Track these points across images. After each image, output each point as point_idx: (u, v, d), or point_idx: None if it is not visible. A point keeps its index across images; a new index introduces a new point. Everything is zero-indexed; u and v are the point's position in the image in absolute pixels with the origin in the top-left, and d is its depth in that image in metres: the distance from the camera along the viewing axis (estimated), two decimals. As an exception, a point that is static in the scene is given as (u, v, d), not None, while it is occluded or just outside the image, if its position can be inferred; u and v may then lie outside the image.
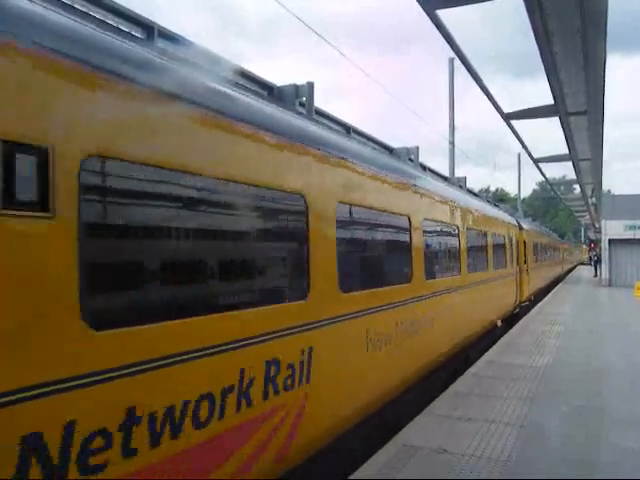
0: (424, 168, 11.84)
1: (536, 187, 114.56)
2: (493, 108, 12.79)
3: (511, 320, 17.75)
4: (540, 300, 25.10)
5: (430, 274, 9.13)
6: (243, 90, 5.36)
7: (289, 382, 5.00)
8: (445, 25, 7.93)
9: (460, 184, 15.61)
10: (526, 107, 13.44)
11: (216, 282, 4.60)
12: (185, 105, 4.05)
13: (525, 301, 21.46)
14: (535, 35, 8.23)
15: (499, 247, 16.27)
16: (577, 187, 34.83)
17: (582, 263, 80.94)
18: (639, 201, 32.51)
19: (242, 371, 4.37)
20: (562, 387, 8.98)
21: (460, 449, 6.14)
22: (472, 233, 12.63)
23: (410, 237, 8.24)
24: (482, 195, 19.10)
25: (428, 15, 7.47)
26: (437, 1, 7.25)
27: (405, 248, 8.20)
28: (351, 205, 6.60)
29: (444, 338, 9.94)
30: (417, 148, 10.87)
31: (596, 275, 41.60)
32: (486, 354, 11.81)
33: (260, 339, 4.63)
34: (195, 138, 4.13)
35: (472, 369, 10.31)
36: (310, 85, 7.00)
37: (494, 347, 12.69)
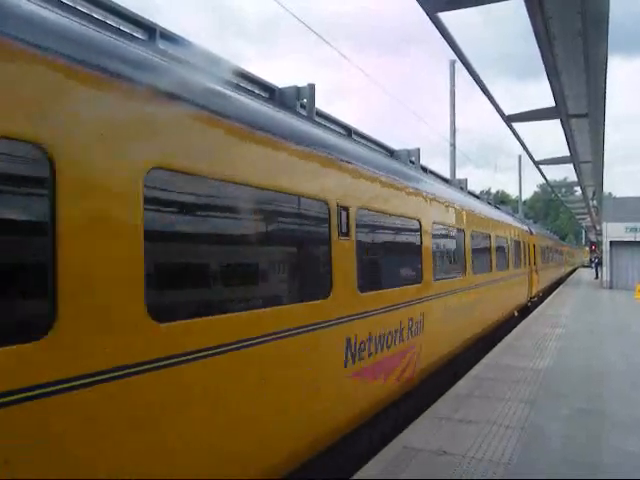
0: (425, 170, 11.86)
1: (537, 189, 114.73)
2: (494, 110, 12.81)
3: (523, 312, 20.75)
4: (545, 298, 27.35)
5: (474, 270, 12.35)
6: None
7: (415, 331, 8.34)
8: (447, 27, 7.95)
9: (470, 191, 16.72)
10: (528, 109, 13.46)
11: (391, 271, 8.31)
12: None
13: (534, 297, 24.16)
14: (536, 38, 8.25)
15: (516, 250, 19.24)
16: (578, 189, 34.85)
17: (583, 265, 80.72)
18: (640, 203, 32.52)
19: (400, 322, 7.72)
20: (563, 389, 8.98)
21: (461, 451, 6.14)
22: (498, 239, 15.75)
23: (464, 242, 11.72)
24: (504, 209, 22.56)
25: (430, 17, 7.48)
26: (439, 3, 7.27)
27: (461, 250, 11.65)
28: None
29: (485, 316, 13.86)
30: (418, 150, 10.88)
31: (597, 277, 41.60)
32: (487, 356, 11.81)
33: (406, 304, 7.99)
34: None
35: (473, 371, 10.31)
36: (311, 87, 7.01)
37: (495, 349, 12.68)
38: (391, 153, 10.20)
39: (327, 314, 5.72)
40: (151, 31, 4.96)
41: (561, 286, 37.97)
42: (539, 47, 8.63)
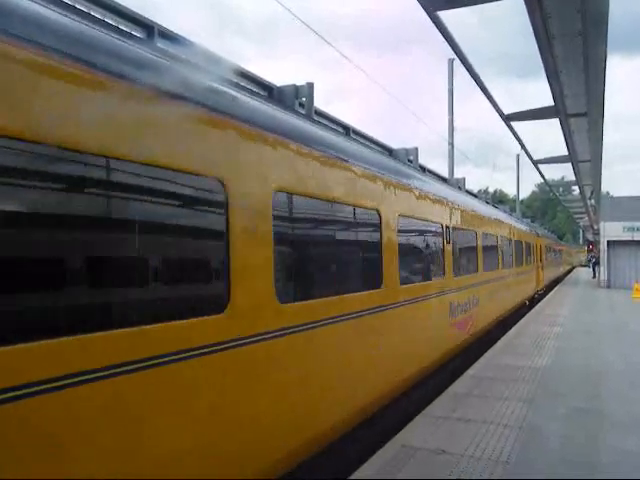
0: (423, 169, 11.86)
1: (535, 188, 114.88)
2: (493, 109, 12.81)
3: (531, 302, 24.98)
4: (547, 293, 30.79)
5: (503, 266, 17.01)
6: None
7: (474, 303, 12.51)
8: (446, 26, 7.94)
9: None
10: (527, 108, 13.47)
11: (466, 265, 12.44)
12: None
13: (540, 290, 28.55)
14: (536, 37, 8.25)
15: (528, 251, 23.91)
16: (576, 188, 34.91)
17: (581, 265, 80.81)
18: (638, 203, 32.56)
19: (468, 297, 11.96)
20: (561, 388, 8.99)
21: (459, 450, 6.14)
22: (517, 243, 20.48)
23: (497, 245, 16.34)
24: (526, 221, 28.98)
25: (429, 16, 7.48)
26: (438, 2, 7.26)
27: (494, 251, 16.06)
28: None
29: (508, 300, 18.19)
30: (416, 149, 10.87)
31: (595, 277, 41.66)
32: (485, 355, 11.83)
33: (471, 286, 12.35)
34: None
35: (471, 370, 10.32)
36: (310, 85, 7.00)
37: (493, 348, 12.70)
38: (389, 152, 10.19)
39: (443, 287, 10.09)
40: (150, 29, 4.94)
41: (559, 285, 38.04)
42: (538, 46, 8.64)
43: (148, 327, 3.55)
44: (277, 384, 4.86)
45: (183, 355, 3.77)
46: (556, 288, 34.98)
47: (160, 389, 3.62)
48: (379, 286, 7.01)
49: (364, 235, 7.22)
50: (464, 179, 16.46)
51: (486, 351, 12.28)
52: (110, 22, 4.46)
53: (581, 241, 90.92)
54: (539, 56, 9.14)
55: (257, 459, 4.53)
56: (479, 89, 11.17)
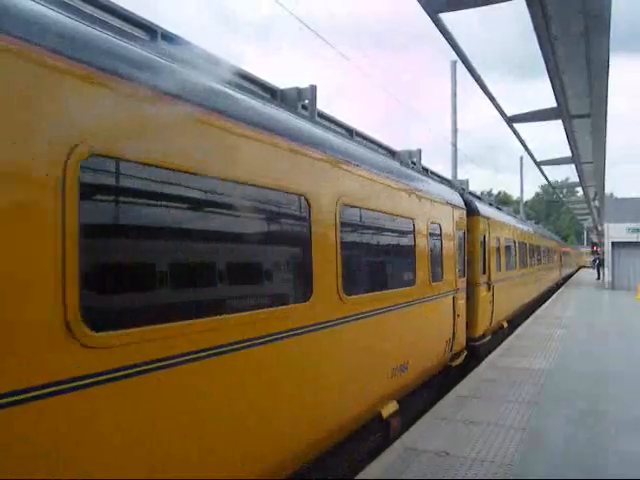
0: (426, 171, 11.85)
1: (539, 190, 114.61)
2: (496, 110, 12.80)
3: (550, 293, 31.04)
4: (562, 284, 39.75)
5: (537, 264, 25.18)
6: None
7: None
8: (448, 29, 7.95)
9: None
10: (531, 109, 13.46)
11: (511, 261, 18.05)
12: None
13: (562, 281, 40.61)
14: (538, 39, 8.25)
15: (554, 254, 35.80)
16: (580, 190, 34.82)
17: (585, 266, 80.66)
18: (642, 204, 32.49)
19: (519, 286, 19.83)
20: (565, 390, 8.97)
21: (463, 452, 6.14)
22: (550, 250, 31.21)
23: (535, 250, 24.90)
24: (543, 230, 36.25)
25: (431, 18, 7.49)
26: (440, 4, 7.27)
27: (534, 253, 24.24)
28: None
29: (534, 289, 23.84)
30: (419, 151, 10.86)
31: (599, 278, 41.53)
32: (488, 357, 11.80)
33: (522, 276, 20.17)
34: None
35: (474, 372, 10.30)
36: (313, 88, 6.99)
37: (497, 350, 12.68)
38: (392, 154, 10.19)
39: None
40: (152, 32, 4.95)
41: (563, 287, 37.94)
42: (540, 47, 8.63)
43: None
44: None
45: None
46: (560, 289, 34.90)
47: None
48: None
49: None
50: (467, 181, 16.46)
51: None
52: (114, 24, 4.47)
53: (585, 242, 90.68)
54: (541, 57, 9.13)
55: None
56: (482, 91, 11.17)
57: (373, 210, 7.05)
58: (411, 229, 8.27)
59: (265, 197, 4.81)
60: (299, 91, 6.90)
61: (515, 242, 18.45)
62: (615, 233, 32.66)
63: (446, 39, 8.27)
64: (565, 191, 45.13)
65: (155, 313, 3.57)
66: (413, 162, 10.61)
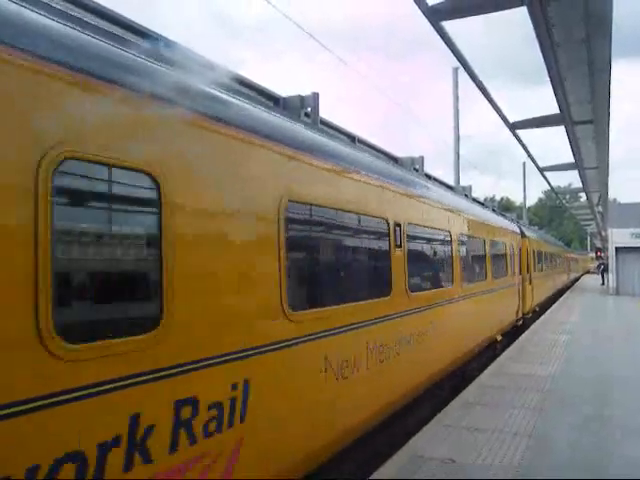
0: (429, 177, 11.88)
1: (542, 195, 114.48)
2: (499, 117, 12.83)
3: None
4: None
5: (564, 270, 41.55)
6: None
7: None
8: (450, 36, 7.98)
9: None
10: (534, 115, 13.49)
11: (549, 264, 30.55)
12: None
13: (570, 284, 47.33)
14: (540, 45, 8.28)
15: (574, 263, 56.84)
16: (583, 195, 34.79)
17: (588, 271, 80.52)
18: (646, 209, 32.39)
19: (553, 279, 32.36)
20: (570, 397, 8.93)
21: (468, 459, 6.11)
22: (573, 260, 56.40)
23: (565, 262, 44.23)
24: (555, 240, 45.22)
25: (433, 26, 7.52)
26: (442, 13, 7.31)
27: (562, 264, 41.24)
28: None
29: (552, 286, 31.22)
30: (422, 158, 10.89)
31: (603, 283, 41.40)
32: (493, 364, 11.77)
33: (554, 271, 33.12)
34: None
35: (480, 379, 10.27)
36: (315, 96, 7.04)
37: (501, 356, 12.64)
38: (395, 161, 10.22)
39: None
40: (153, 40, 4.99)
41: (567, 292, 37.82)
42: (542, 54, 8.66)
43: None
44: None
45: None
46: (565, 295, 34.80)
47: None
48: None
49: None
50: (470, 187, 16.47)
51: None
52: (116, 33, 4.50)
53: (589, 248, 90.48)
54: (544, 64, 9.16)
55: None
56: (484, 97, 11.20)
57: (474, 237, 12.21)
58: (504, 247, 15.78)
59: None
60: (302, 99, 6.94)
61: (542, 252, 26.18)
62: (619, 238, 32.53)
63: (448, 46, 8.31)
64: (568, 196, 45.05)
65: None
66: (415, 169, 10.64)
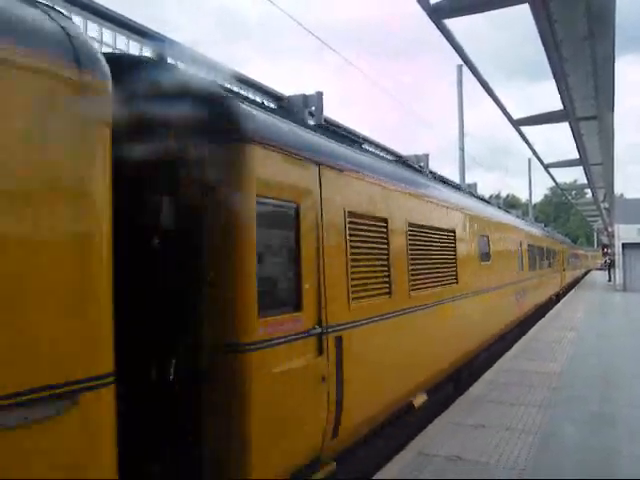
0: (434, 176, 11.88)
1: (547, 192, 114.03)
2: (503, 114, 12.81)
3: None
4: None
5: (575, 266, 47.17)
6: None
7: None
8: (453, 34, 7.98)
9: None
10: (539, 111, 13.46)
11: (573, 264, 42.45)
12: None
13: (585, 274, 60.40)
14: (543, 42, 8.26)
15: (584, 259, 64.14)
16: (589, 191, 34.65)
17: (596, 268, 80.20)
18: (652, 205, 32.24)
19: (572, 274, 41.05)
20: (577, 394, 8.91)
21: (475, 457, 6.11)
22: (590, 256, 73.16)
23: (580, 258, 55.11)
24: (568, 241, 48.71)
25: (435, 24, 7.52)
26: (444, 11, 7.31)
27: (574, 260, 45.78)
28: None
29: (572, 275, 41.16)
30: (427, 156, 10.89)
31: (610, 280, 41.24)
32: (500, 360, 11.75)
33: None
34: None
35: (486, 376, 10.26)
36: (319, 95, 7.05)
37: (508, 353, 12.62)
38: (399, 159, 10.23)
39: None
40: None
41: (574, 289, 37.70)
42: (545, 51, 8.65)
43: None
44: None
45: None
46: (571, 292, 34.69)
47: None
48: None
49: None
50: (475, 184, 16.46)
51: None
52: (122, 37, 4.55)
53: (595, 244, 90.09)
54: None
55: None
56: (488, 94, 11.18)
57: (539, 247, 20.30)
58: (555, 250, 27.16)
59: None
60: (305, 98, 6.96)
61: (570, 252, 37.62)
62: (626, 234, 32.37)
63: (451, 45, 8.31)
64: (574, 193, 44.95)
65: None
66: (420, 166, 10.64)
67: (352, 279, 5.44)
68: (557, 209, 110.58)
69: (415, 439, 6.77)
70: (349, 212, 5.48)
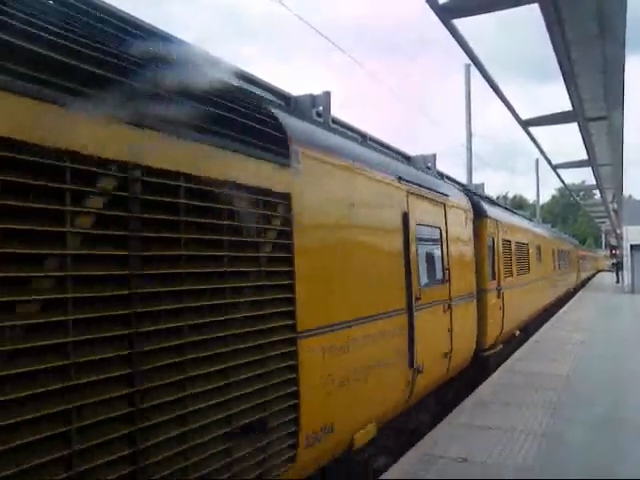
0: (442, 176, 11.84)
1: (555, 193, 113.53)
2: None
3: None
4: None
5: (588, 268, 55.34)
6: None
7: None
8: (462, 34, 7.95)
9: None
10: (547, 111, 13.40)
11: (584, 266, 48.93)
12: None
13: (596, 273, 66.30)
14: (552, 42, 8.22)
15: (594, 261, 69.47)
16: (597, 192, 34.45)
17: (603, 270, 79.75)
18: (661, 206, 31.97)
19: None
20: (585, 396, 8.86)
21: (481, 458, 6.09)
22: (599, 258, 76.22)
23: (593, 260, 65.94)
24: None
25: (444, 24, 7.49)
26: (453, 11, 7.28)
27: (583, 263, 49.11)
28: None
29: (585, 274, 49.51)
30: (434, 156, 10.85)
31: (618, 281, 40.96)
32: (506, 362, 11.71)
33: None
34: None
35: (493, 377, 10.23)
36: (327, 94, 7.03)
37: (514, 355, 12.58)
38: (407, 159, 10.20)
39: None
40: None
41: (581, 291, 37.50)
42: (555, 51, 8.60)
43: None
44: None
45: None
46: (579, 293, 34.52)
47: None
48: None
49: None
50: (483, 185, 16.41)
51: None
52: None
53: (603, 246, 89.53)
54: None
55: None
56: (496, 95, 11.13)
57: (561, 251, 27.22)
58: (573, 254, 34.07)
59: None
60: (313, 98, 6.95)
61: (581, 255, 42.62)
62: (634, 236, 32.12)
63: (460, 45, 8.27)
64: (582, 194, 44.74)
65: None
66: (428, 167, 10.61)
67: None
68: (565, 210, 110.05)
69: (421, 440, 6.75)
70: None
